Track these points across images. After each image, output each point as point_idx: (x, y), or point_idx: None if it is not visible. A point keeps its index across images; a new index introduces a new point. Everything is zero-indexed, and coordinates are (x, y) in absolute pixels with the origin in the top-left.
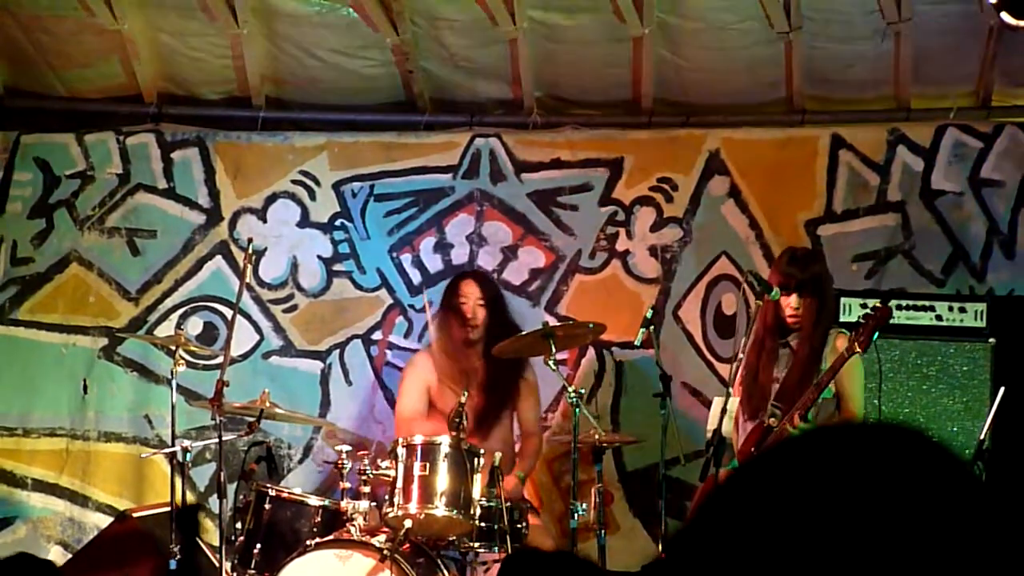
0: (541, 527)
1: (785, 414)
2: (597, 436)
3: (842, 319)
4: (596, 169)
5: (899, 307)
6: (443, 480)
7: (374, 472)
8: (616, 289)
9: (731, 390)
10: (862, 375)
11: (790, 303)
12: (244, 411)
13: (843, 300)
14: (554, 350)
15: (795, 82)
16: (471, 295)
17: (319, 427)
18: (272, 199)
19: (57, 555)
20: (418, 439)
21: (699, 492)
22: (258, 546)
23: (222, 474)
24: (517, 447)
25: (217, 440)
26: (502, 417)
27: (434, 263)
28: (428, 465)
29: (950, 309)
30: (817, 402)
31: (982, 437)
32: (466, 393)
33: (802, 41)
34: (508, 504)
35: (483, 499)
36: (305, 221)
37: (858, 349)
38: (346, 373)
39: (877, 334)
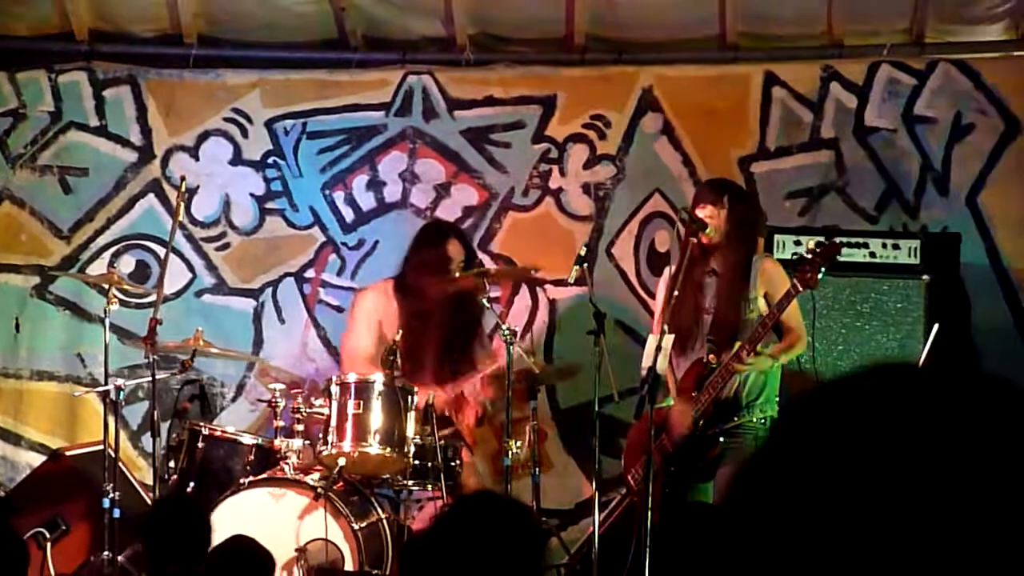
0: (472, 465)
1: (721, 348)
2: (532, 366)
3: (777, 256)
4: (529, 106)
5: None
6: (377, 418)
7: (307, 410)
8: (549, 227)
9: (666, 327)
10: (797, 303)
11: (704, 212)
12: (178, 350)
13: (776, 237)
14: (487, 288)
15: (728, 18)
16: (456, 256)
17: (252, 365)
18: (204, 137)
19: None
20: (351, 377)
21: (633, 429)
22: (191, 485)
23: (155, 413)
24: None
25: (150, 379)
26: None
27: (367, 201)
28: (362, 403)
29: (884, 246)
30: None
31: None
32: (400, 333)
33: None
34: (442, 442)
35: (417, 437)
36: (237, 159)
37: (806, 287)
38: (279, 311)
39: (824, 271)
